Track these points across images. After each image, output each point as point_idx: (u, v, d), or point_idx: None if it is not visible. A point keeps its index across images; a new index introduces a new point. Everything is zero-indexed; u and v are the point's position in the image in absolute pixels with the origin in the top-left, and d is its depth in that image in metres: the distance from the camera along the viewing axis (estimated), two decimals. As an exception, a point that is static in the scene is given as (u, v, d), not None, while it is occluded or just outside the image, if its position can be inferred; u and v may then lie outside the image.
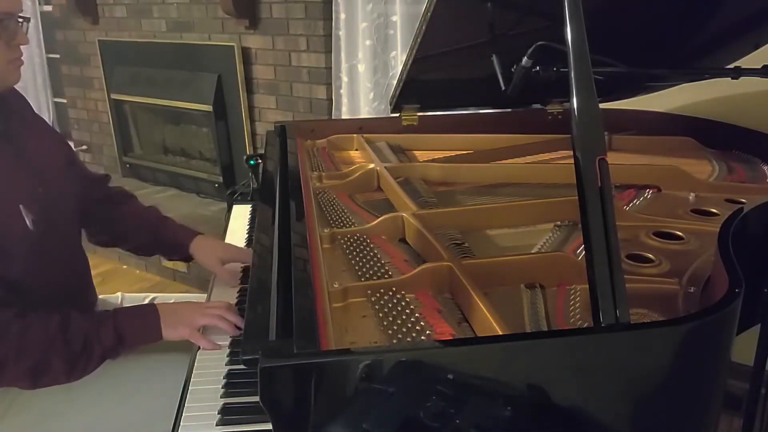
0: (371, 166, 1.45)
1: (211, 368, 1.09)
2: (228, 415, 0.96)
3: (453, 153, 1.64)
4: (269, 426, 0.69)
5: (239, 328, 1.16)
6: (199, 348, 1.16)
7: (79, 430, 1.19)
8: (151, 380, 1.24)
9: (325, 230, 1.13)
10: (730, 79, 1.24)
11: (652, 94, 1.78)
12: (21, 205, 1.15)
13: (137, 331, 1.15)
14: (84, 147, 4.27)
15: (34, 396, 1.17)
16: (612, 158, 0.78)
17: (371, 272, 1.00)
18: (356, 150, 1.73)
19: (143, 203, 1.60)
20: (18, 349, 1.06)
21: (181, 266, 3.12)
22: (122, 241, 1.53)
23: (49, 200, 1.23)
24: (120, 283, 3.25)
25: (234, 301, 1.32)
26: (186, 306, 1.24)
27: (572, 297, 0.94)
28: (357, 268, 1.02)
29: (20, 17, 1.14)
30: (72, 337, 1.09)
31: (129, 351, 1.17)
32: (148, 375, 1.24)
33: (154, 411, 1.17)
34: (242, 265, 1.46)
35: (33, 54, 4.37)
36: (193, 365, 1.12)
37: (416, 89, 1.60)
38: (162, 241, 1.50)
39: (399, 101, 1.66)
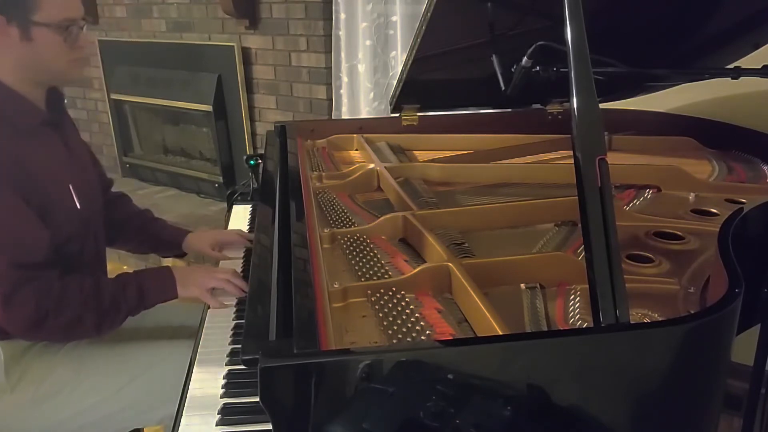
0: (371, 166, 1.45)
1: (212, 368, 1.10)
2: (228, 415, 0.96)
3: (453, 153, 1.64)
4: (269, 426, 0.68)
5: (244, 292, 1.28)
6: (200, 344, 1.18)
7: (85, 405, 1.26)
8: (156, 365, 1.29)
9: (325, 230, 1.13)
10: (730, 79, 1.24)
11: (652, 94, 1.78)
12: (71, 185, 1.29)
13: (156, 290, 1.29)
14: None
15: (45, 370, 1.27)
16: (612, 158, 0.78)
17: (371, 272, 1.00)
18: (356, 150, 1.73)
19: (141, 204, 1.68)
20: (58, 305, 1.18)
21: (178, 264, 3.11)
22: (119, 242, 1.60)
23: (88, 185, 1.39)
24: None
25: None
26: (197, 269, 1.39)
27: (572, 297, 0.94)
28: (357, 268, 1.02)
29: (82, 20, 1.26)
30: (102, 295, 1.23)
31: (149, 309, 1.29)
32: (153, 360, 1.30)
33: (156, 395, 1.25)
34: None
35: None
36: (194, 363, 1.12)
37: (416, 89, 1.60)
38: (157, 240, 1.62)
39: (399, 101, 1.66)
